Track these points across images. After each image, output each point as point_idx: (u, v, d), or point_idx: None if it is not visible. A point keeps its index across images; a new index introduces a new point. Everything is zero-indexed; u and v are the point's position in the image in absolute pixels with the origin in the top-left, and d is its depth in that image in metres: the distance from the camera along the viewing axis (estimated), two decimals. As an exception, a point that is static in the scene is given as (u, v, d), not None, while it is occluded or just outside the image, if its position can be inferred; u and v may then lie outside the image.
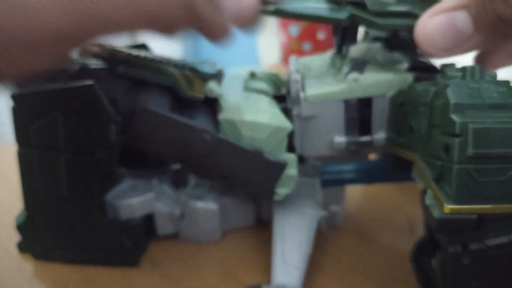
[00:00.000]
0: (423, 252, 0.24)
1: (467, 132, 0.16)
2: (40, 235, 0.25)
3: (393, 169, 0.24)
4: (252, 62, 0.76)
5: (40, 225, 0.25)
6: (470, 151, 0.16)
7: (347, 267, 0.26)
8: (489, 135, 0.15)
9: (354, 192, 0.33)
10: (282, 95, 0.27)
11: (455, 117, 0.16)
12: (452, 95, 0.17)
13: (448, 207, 0.16)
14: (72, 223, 0.25)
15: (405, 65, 0.25)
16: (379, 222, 0.30)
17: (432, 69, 0.27)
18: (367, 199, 0.33)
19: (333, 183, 0.28)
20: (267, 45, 0.74)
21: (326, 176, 0.29)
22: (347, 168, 0.29)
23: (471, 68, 0.17)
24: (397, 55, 0.26)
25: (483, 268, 0.19)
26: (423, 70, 0.26)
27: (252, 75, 0.28)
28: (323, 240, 0.28)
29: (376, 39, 0.30)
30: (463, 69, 0.18)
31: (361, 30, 0.33)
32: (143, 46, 0.30)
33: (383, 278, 0.25)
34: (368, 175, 0.29)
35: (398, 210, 0.31)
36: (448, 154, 0.17)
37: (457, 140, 0.16)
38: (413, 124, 0.19)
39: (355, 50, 0.27)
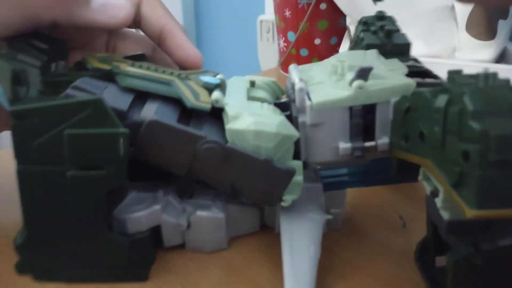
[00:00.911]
0: (426, 251, 0.25)
1: (487, 139, 0.16)
2: (42, 255, 0.25)
3: (396, 172, 0.25)
4: (253, 67, 0.77)
5: (42, 244, 0.24)
6: (491, 157, 0.16)
7: (354, 267, 0.26)
8: (510, 141, 0.16)
9: (351, 193, 0.33)
10: (283, 102, 0.27)
11: (475, 125, 0.17)
12: (469, 103, 0.17)
13: (472, 212, 0.17)
14: (77, 240, 0.24)
15: (405, 70, 0.26)
16: (378, 222, 0.30)
17: (427, 73, 0.28)
18: (362, 198, 0.33)
19: (333, 186, 0.29)
20: (266, 51, 0.76)
21: (326, 180, 0.29)
22: (347, 171, 0.30)
23: (485, 75, 0.18)
24: (395, 61, 0.27)
25: (495, 268, 0.20)
26: (418, 75, 0.27)
27: (252, 84, 0.28)
28: (328, 240, 0.28)
29: (369, 45, 0.31)
30: (476, 76, 0.18)
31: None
32: (141, 57, 0.29)
33: (391, 278, 0.26)
34: (368, 178, 0.30)
35: (393, 208, 0.32)
36: (468, 160, 0.17)
37: (477, 147, 0.17)
38: (425, 130, 0.20)
39: (352, 57, 0.28)
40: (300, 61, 0.59)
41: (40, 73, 0.26)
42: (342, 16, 0.57)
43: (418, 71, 0.27)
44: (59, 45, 0.28)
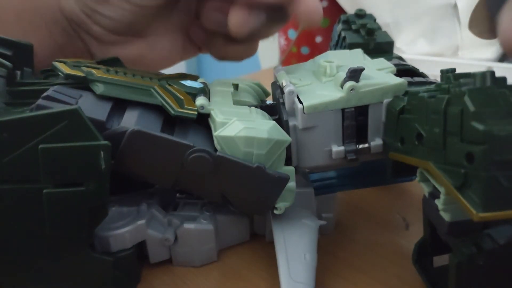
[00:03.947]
0: (424, 252, 0.24)
1: (491, 139, 0.16)
2: (17, 279, 0.22)
3: (392, 174, 0.24)
4: (253, 65, 0.76)
5: (17, 267, 0.22)
6: (496, 158, 0.16)
7: (355, 269, 0.26)
8: (513, 140, 0.16)
9: (352, 195, 0.33)
10: (270, 105, 0.26)
11: (478, 126, 0.16)
12: (470, 103, 0.17)
13: (479, 215, 0.16)
14: (57, 262, 0.22)
15: (393, 69, 0.25)
16: (379, 223, 0.30)
17: (413, 72, 0.27)
18: (362, 200, 0.33)
19: (324, 190, 0.28)
20: (266, 49, 0.76)
21: (315, 184, 0.28)
22: (335, 174, 0.29)
23: (482, 74, 0.18)
24: (381, 60, 0.27)
25: (497, 267, 0.20)
26: (405, 73, 0.27)
27: (235, 87, 0.27)
28: (329, 242, 0.28)
29: (352, 45, 0.30)
30: (474, 76, 0.18)
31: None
32: (115, 61, 0.27)
33: (392, 280, 0.25)
34: (357, 180, 0.29)
35: (394, 210, 0.31)
36: (472, 162, 0.17)
37: (481, 148, 0.16)
38: (424, 132, 0.19)
39: (338, 57, 0.27)
40: (301, 59, 0.58)
41: (6, 82, 0.24)
42: (343, 13, 0.56)
43: (404, 69, 0.27)
44: (24, 50, 0.26)
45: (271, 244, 0.26)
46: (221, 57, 0.32)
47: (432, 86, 0.21)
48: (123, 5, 0.27)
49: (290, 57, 0.58)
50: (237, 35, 0.26)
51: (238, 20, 0.25)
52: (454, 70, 0.20)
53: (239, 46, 0.31)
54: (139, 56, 0.30)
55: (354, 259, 0.27)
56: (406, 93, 0.23)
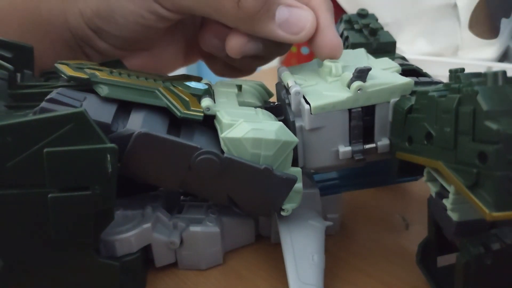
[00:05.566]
0: (428, 252, 0.24)
1: (505, 138, 0.16)
2: (22, 286, 0.22)
3: (397, 174, 0.24)
4: None
5: (21, 274, 0.22)
6: (510, 157, 0.16)
7: (357, 270, 0.26)
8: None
9: (352, 195, 0.33)
10: (274, 106, 0.26)
11: (491, 125, 0.16)
12: (483, 102, 0.17)
13: (492, 214, 0.16)
14: (62, 268, 0.22)
15: (398, 68, 0.25)
16: (380, 224, 0.30)
17: (417, 72, 0.27)
18: (363, 201, 0.33)
19: (329, 191, 0.28)
20: None
21: (320, 184, 0.28)
22: (338, 175, 0.29)
23: (494, 74, 0.18)
24: (385, 60, 0.27)
25: (504, 267, 0.20)
26: (408, 73, 0.27)
27: (239, 88, 0.27)
28: (330, 244, 0.27)
29: (355, 44, 0.30)
30: (485, 75, 0.18)
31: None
32: (117, 62, 0.27)
33: (394, 280, 0.25)
34: (361, 180, 0.29)
35: (394, 210, 0.31)
36: (485, 162, 0.17)
37: (495, 147, 0.16)
38: (434, 131, 0.19)
39: (342, 57, 0.27)
40: (301, 59, 0.58)
41: (7, 85, 0.23)
42: (343, 13, 0.56)
43: (408, 69, 0.27)
44: (24, 52, 0.26)
45: (276, 246, 0.26)
46: (220, 75, 0.33)
47: (440, 86, 0.21)
48: (131, 26, 0.27)
49: (290, 57, 0.58)
50: (233, 56, 0.27)
51: (235, 45, 0.26)
52: (463, 70, 0.20)
53: (237, 71, 0.33)
54: (142, 66, 0.30)
55: (354, 259, 0.27)
56: (413, 92, 0.23)
